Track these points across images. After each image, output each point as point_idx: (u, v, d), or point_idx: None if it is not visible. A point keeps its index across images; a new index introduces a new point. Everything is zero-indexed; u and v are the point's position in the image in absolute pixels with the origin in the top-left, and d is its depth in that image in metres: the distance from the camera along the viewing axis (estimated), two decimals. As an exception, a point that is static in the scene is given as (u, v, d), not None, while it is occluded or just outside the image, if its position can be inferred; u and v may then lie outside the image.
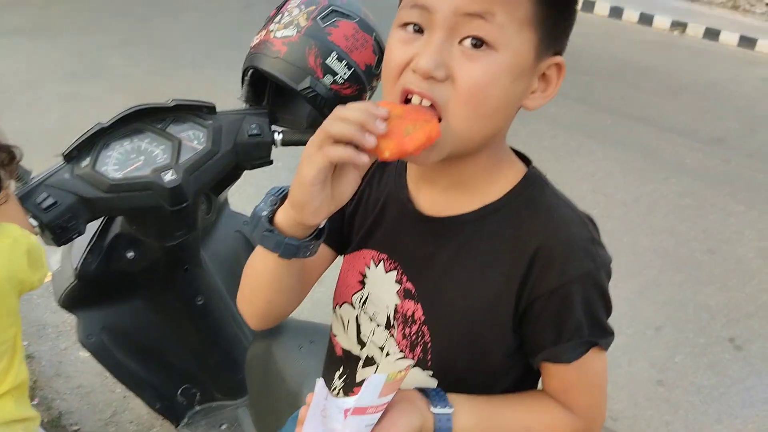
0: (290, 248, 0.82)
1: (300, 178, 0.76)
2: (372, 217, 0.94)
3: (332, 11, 1.32)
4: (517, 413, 0.88)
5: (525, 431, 0.88)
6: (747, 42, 7.16)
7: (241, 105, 1.44)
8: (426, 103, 0.76)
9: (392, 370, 0.74)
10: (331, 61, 1.30)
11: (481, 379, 0.88)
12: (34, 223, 1.16)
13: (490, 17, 0.73)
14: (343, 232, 0.99)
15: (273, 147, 1.40)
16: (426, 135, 0.73)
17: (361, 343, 0.96)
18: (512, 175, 0.87)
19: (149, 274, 1.47)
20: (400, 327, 0.90)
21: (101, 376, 2.24)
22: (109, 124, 1.28)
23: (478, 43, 0.74)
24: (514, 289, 0.82)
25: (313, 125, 1.46)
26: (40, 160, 1.26)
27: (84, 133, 1.26)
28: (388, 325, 0.92)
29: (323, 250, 0.97)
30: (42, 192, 1.17)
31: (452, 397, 0.83)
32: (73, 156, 1.25)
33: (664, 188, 3.98)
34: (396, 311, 0.91)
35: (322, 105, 1.33)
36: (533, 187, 0.86)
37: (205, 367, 1.67)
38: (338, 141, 0.72)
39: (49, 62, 5.17)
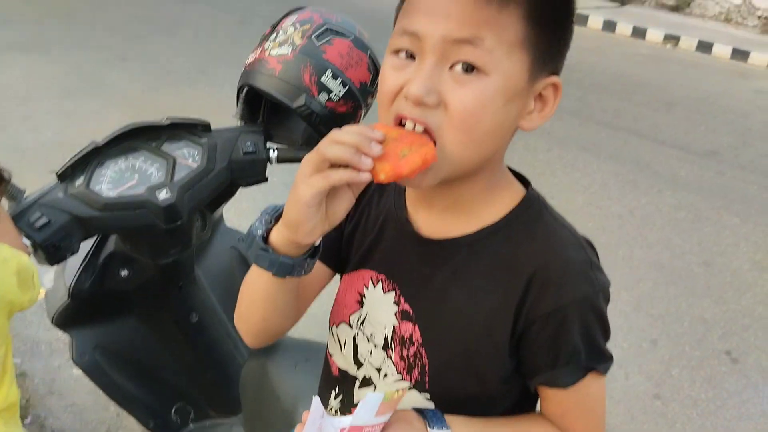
0: (285, 267, 0.82)
1: (296, 199, 0.76)
2: (371, 237, 0.94)
3: (327, 29, 1.32)
4: None
5: None
6: (740, 55, 7.23)
7: (236, 122, 1.44)
8: (419, 128, 0.76)
9: (390, 389, 0.74)
10: (326, 78, 1.30)
11: (479, 402, 0.87)
12: (28, 242, 1.15)
13: (479, 42, 0.73)
14: (340, 252, 0.99)
15: (268, 164, 1.40)
16: (422, 158, 0.73)
17: (358, 364, 0.96)
18: (510, 197, 0.87)
19: (143, 291, 1.46)
20: (398, 348, 0.90)
21: (94, 393, 2.22)
22: (104, 143, 1.28)
23: (469, 67, 0.74)
24: (511, 312, 0.82)
25: (308, 142, 1.46)
26: (35, 176, 1.26)
27: (78, 152, 1.26)
28: (386, 346, 0.91)
29: (320, 268, 0.97)
30: (35, 211, 1.17)
31: (450, 418, 0.82)
32: (67, 175, 1.24)
33: (658, 201, 3.99)
34: (394, 332, 0.90)
35: (318, 122, 1.33)
36: (531, 209, 0.86)
37: (199, 385, 1.66)
38: (334, 164, 0.73)
39: (44, 78, 5.18)
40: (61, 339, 2.48)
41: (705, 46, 7.43)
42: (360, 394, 0.96)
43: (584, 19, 8.02)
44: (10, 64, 5.44)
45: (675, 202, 3.98)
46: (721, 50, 7.33)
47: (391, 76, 0.78)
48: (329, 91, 1.31)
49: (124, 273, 1.40)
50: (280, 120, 1.46)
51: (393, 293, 0.91)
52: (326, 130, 1.33)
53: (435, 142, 0.76)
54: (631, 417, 2.41)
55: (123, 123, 1.33)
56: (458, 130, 0.75)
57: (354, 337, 0.96)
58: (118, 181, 1.26)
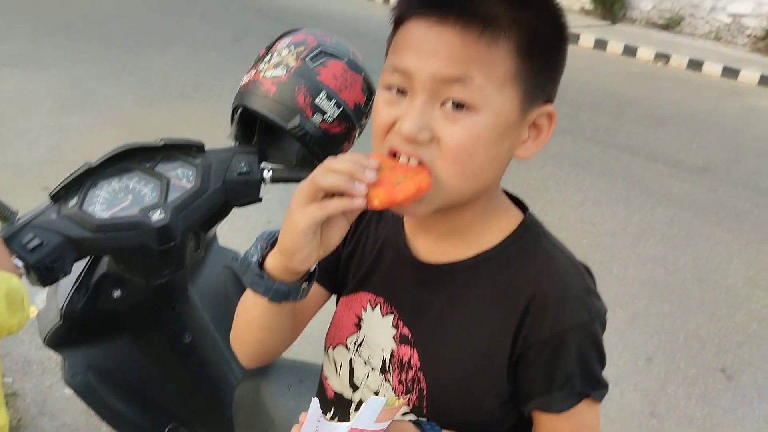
0: (280, 293, 0.82)
1: (291, 228, 0.76)
2: (369, 260, 0.95)
3: (321, 52, 1.33)
4: None
5: None
6: (730, 72, 7.31)
7: (230, 143, 1.45)
8: (413, 162, 0.77)
9: (391, 397, 0.74)
10: (320, 100, 1.31)
11: (476, 428, 0.87)
12: (20, 263, 1.14)
13: (469, 80, 0.73)
14: (338, 273, 1.00)
15: (262, 184, 1.40)
16: (416, 185, 0.74)
17: (354, 387, 0.96)
18: (507, 222, 0.87)
19: (136, 312, 1.45)
20: (396, 372, 0.90)
21: (86, 414, 2.20)
22: (98, 164, 1.28)
23: (459, 105, 0.75)
24: (510, 336, 0.82)
25: (303, 162, 1.46)
26: (29, 192, 1.26)
27: (72, 173, 1.25)
28: (384, 370, 0.91)
29: (316, 290, 0.98)
30: (28, 233, 1.16)
31: None
32: (60, 196, 1.24)
33: (651, 217, 4.01)
34: (392, 356, 0.90)
35: (312, 143, 1.33)
36: (529, 235, 0.87)
37: (192, 406, 1.64)
38: (329, 193, 0.73)
39: (37, 93, 5.17)
40: (53, 358, 2.46)
41: (695, 64, 7.51)
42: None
43: (576, 38, 8.10)
44: (4, 78, 5.44)
45: (668, 219, 4.00)
46: (712, 68, 7.40)
47: (383, 110, 0.79)
48: (323, 113, 1.32)
49: (116, 294, 1.39)
50: (275, 140, 1.46)
51: (392, 316, 0.91)
52: (320, 151, 1.36)
53: (429, 173, 0.77)
54: (627, 435, 2.41)
55: (117, 138, 1.33)
56: (451, 165, 0.76)
57: (350, 360, 0.96)
58: (111, 202, 1.26)
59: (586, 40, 8.17)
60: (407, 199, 0.74)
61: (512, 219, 0.88)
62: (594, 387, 0.84)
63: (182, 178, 1.32)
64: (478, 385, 0.85)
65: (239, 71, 1.40)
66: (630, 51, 7.92)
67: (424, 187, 0.75)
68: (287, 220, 0.77)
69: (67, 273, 1.20)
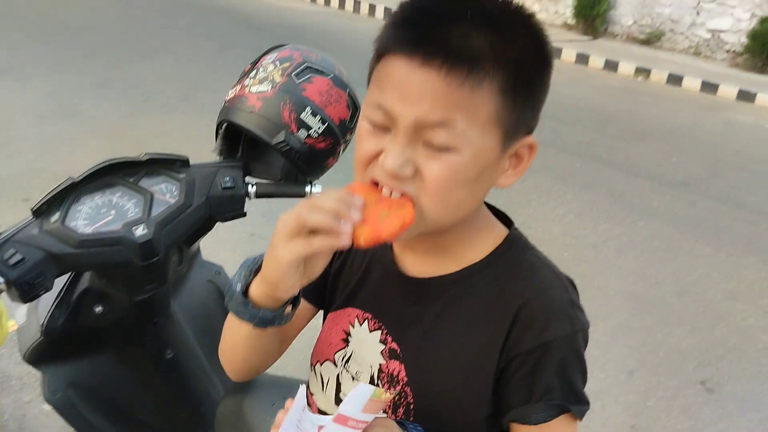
0: (265, 320, 0.84)
1: (275, 261, 0.77)
2: (357, 276, 0.96)
3: (307, 67, 1.34)
4: None
5: None
6: (709, 87, 7.42)
7: (215, 157, 1.44)
8: (396, 194, 0.78)
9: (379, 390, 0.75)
10: (306, 115, 1.32)
11: None
12: (0, 279, 1.13)
13: (452, 124, 0.74)
14: (325, 290, 1.01)
15: (247, 199, 1.40)
16: (400, 221, 0.76)
17: (340, 403, 0.96)
18: (492, 237, 0.89)
19: (117, 328, 1.44)
20: (385, 387, 0.90)
21: (66, 429, 2.16)
22: (80, 179, 1.27)
23: (441, 146, 0.75)
24: (497, 350, 0.83)
25: (287, 177, 1.46)
26: (10, 203, 1.24)
27: (54, 188, 1.24)
28: (372, 385, 0.92)
29: (304, 306, 1.00)
30: (9, 248, 1.15)
31: None
32: (42, 211, 1.23)
33: (632, 231, 4.05)
34: (381, 371, 0.91)
35: (297, 158, 1.34)
36: (514, 249, 0.88)
37: (174, 423, 1.63)
38: (314, 230, 0.74)
39: (19, 104, 5.12)
40: (33, 373, 2.42)
41: (675, 79, 7.62)
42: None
43: (558, 52, 8.19)
44: (-15, 89, 5.39)
45: (649, 232, 4.04)
46: (691, 83, 7.52)
47: (366, 140, 0.80)
48: (308, 128, 1.32)
49: (98, 309, 1.38)
50: (259, 155, 1.47)
51: (379, 332, 0.92)
52: (305, 166, 1.36)
53: (413, 203, 0.78)
54: (609, 449, 2.42)
55: (100, 150, 1.33)
56: (433, 199, 0.78)
57: (338, 375, 0.97)
58: (94, 217, 1.25)
59: (568, 54, 8.26)
60: (392, 235, 0.76)
61: (497, 234, 0.90)
62: (574, 401, 0.84)
63: (166, 193, 1.32)
64: (465, 398, 0.86)
65: (224, 82, 1.41)
66: (611, 65, 8.02)
67: (408, 221, 0.77)
68: (271, 252, 0.78)
69: (48, 289, 1.19)
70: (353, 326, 0.95)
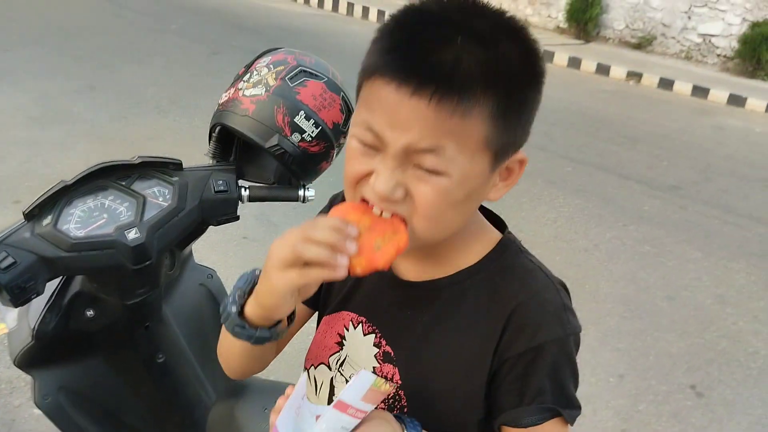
0: (262, 338, 0.85)
1: (270, 289, 0.78)
2: (352, 280, 0.96)
3: (301, 71, 1.34)
4: None
5: None
6: (700, 91, 7.48)
7: (207, 160, 1.44)
8: (387, 214, 0.79)
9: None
10: (299, 119, 1.32)
11: None
12: (-9, 283, 1.12)
13: (441, 150, 0.74)
14: (320, 293, 1.01)
15: (240, 203, 1.40)
16: (395, 248, 0.78)
17: (333, 407, 0.96)
18: (486, 242, 0.89)
19: (109, 332, 1.43)
20: None
21: (55, 434, 2.16)
22: (73, 182, 1.26)
23: (431, 169, 0.76)
24: (490, 353, 0.84)
25: (281, 180, 1.47)
26: (1, 206, 1.23)
27: (46, 191, 1.23)
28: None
29: (300, 308, 1.00)
30: (1, 252, 1.14)
31: None
32: (34, 214, 1.22)
33: (623, 235, 4.07)
34: (375, 374, 0.91)
35: (290, 162, 1.34)
36: (507, 252, 0.89)
37: (165, 427, 1.62)
38: (309, 263, 0.75)
39: (9, 107, 5.10)
40: (23, 377, 2.40)
41: (666, 83, 7.67)
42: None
43: (550, 56, 8.23)
44: (-25, 91, 5.36)
45: (639, 237, 4.06)
46: (682, 87, 7.57)
47: (356, 160, 0.80)
48: (302, 132, 1.32)
49: (89, 313, 1.37)
50: (253, 158, 1.46)
51: (373, 335, 0.92)
52: (299, 170, 1.36)
53: (406, 223, 0.79)
54: (600, 452, 2.43)
55: (91, 152, 1.32)
56: (424, 220, 0.79)
57: (332, 379, 0.97)
58: (86, 220, 1.24)
59: (560, 58, 8.30)
60: (388, 263, 0.77)
61: (490, 238, 0.90)
62: (565, 405, 0.84)
63: (159, 196, 1.31)
64: (458, 402, 0.86)
65: (216, 85, 1.41)
66: (603, 69, 8.07)
67: (402, 246, 0.78)
68: (265, 279, 0.79)
69: (40, 293, 1.18)
70: (347, 330, 0.95)
